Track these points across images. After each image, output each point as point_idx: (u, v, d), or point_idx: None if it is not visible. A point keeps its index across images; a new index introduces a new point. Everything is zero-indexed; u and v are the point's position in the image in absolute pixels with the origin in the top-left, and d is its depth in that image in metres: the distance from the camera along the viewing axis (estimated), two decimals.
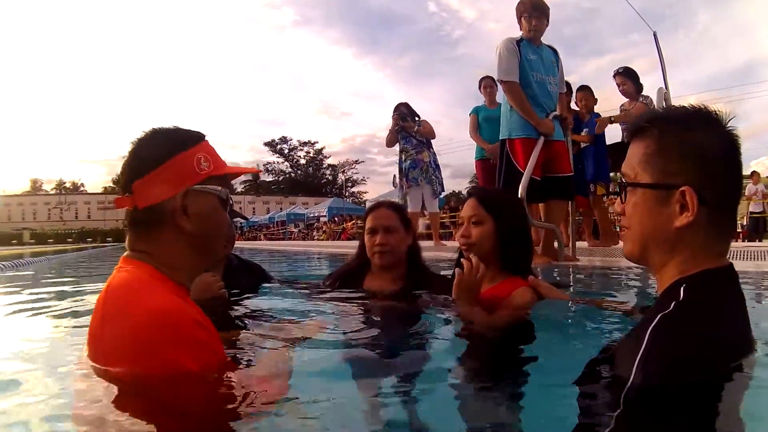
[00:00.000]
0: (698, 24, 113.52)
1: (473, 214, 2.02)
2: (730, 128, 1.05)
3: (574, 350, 1.51)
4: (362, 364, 1.38)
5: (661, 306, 0.99)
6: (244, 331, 1.69)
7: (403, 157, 7.30)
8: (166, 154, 1.17)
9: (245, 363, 1.34)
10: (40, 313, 2.42)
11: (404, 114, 7.25)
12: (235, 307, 2.16)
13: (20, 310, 2.54)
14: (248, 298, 2.38)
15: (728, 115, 1.06)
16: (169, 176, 1.16)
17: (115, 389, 1.01)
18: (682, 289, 1.00)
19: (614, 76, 6.14)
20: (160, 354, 1.01)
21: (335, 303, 2.23)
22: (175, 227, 1.16)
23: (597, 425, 0.88)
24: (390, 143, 7.45)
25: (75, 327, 1.84)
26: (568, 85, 5.36)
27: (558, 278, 3.30)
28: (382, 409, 1.11)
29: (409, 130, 7.21)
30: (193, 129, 1.26)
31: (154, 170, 1.15)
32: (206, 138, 1.26)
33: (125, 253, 1.20)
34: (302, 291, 2.67)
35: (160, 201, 1.15)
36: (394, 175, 7.66)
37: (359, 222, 19.79)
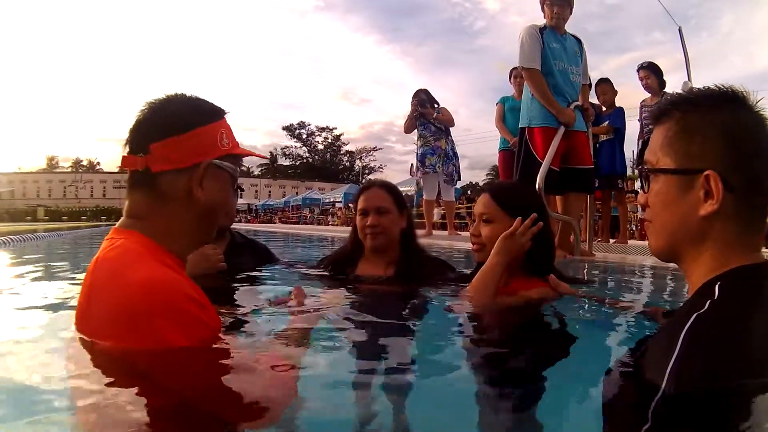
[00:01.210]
0: (722, 26, 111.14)
1: (484, 212, 1.91)
2: (758, 108, 0.95)
3: (595, 353, 1.38)
4: (352, 360, 1.29)
5: (694, 306, 0.88)
6: (242, 311, 1.63)
7: (421, 143, 7.18)
8: (194, 122, 1.14)
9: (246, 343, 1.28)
10: (43, 286, 2.41)
11: (423, 100, 7.12)
12: (234, 284, 2.11)
13: (22, 284, 2.53)
14: (249, 276, 2.33)
15: (756, 95, 0.96)
16: (193, 144, 1.13)
17: (102, 364, 0.97)
18: (717, 287, 0.90)
19: (638, 70, 6.00)
20: (146, 327, 0.96)
21: (327, 291, 2.10)
22: (186, 197, 1.12)
23: None
24: (408, 129, 7.34)
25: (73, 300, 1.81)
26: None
27: (580, 275, 3.19)
28: (374, 408, 1.02)
29: (428, 116, 7.09)
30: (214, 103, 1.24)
31: (179, 135, 1.12)
32: (225, 116, 1.24)
33: (117, 223, 1.15)
34: (302, 273, 2.61)
35: (179, 168, 1.11)
36: (412, 164, 7.56)
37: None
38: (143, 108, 1.15)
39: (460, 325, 1.64)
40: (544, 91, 4.15)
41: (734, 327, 0.84)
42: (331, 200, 34.26)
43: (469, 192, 20.07)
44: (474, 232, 1.92)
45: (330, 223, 27.53)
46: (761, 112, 0.96)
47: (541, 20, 4.39)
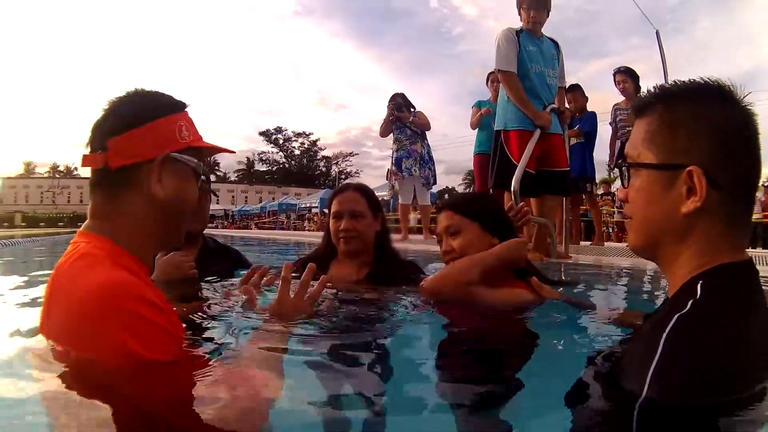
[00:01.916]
0: (699, 30, 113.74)
1: (449, 224, 1.87)
2: (745, 104, 0.91)
3: (574, 358, 1.29)
4: (323, 365, 1.23)
5: (676, 305, 0.84)
6: (214, 321, 1.56)
7: (397, 147, 7.13)
8: (150, 115, 1.09)
9: (218, 353, 1.20)
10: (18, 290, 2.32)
11: (399, 104, 7.09)
12: (206, 291, 2.03)
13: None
14: (221, 281, 2.25)
15: (743, 90, 0.92)
16: (150, 137, 1.08)
17: (60, 372, 0.92)
18: (698, 286, 0.86)
19: (614, 74, 6.10)
20: (100, 333, 0.90)
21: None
22: (144, 193, 1.07)
23: None
24: (384, 133, 7.29)
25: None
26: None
27: (564, 276, 3.17)
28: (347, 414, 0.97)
29: (404, 120, 7.06)
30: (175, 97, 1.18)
31: (135, 128, 1.06)
32: (187, 109, 1.18)
33: (83, 225, 1.10)
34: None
35: (136, 162, 1.06)
36: (388, 169, 7.49)
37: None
38: (106, 105, 1.11)
39: (435, 331, 1.58)
40: (519, 95, 4.15)
41: (718, 328, 0.80)
42: (308, 205, 34.10)
43: (445, 196, 20.12)
44: (446, 249, 1.87)
45: (306, 228, 27.40)
46: (748, 107, 0.92)
47: (518, 24, 4.39)
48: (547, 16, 4.38)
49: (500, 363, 1.30)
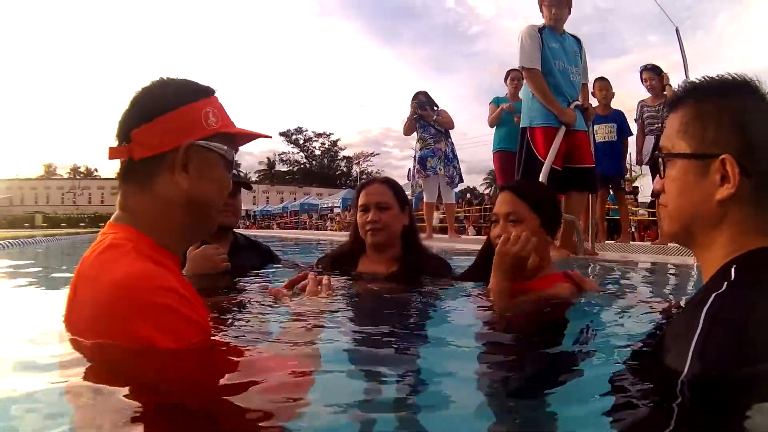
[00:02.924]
0: (717, 26, 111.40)
1: (511, 211, 1.78)
2: None
3: (612, 346, 1.30)
4: (356, 359, 1.22)
5: (712, 288, 0.88)
6: (246, 311, 1.60)
7: (420, 145, 7.15)
8: (172, 104, 1.07)
9: (250, 341, 1.24)
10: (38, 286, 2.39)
11: (423, 102, 7.10)
12: (239, 285, 2.09)
13: (19, 285, 2.51)
14: (253, 276, 2.30)
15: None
16: (172, 127, 1.06)
17: (85, 363, 0.93)
18: (732, 269, 0.90)
19: (641, 72, 6.04)
20: (123, 327, 0.91)
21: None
22: (171, 183, 1.06)
23: (645, 424, 0.77)
24: (408, 132, 7.29)
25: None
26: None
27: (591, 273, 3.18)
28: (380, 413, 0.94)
29: (427, 119, 7.07)
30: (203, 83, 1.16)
31: (156, 119, 1.06)
32: (216, 94, 1.16)
33: (112, 217, 1.11)
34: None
35: (159, 152, 1.05)
36: (409, 169, 7.51)
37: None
38: (132, 96, 1.10)
39: (472, 325, 1.60)
40: (544, 91, 4.15)
41: (755, 305, 0.83)
42: (329, 205, 34.20)
43: (468, 195, 20.06)
44: (502, 233, 1.76)
45: (328, 228, 27.48)
46: None
47: (536, 22, 4.39)
48: (569, 13, 4.37)
49: (540, 351, 1.32)
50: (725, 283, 0.88)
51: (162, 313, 0.94)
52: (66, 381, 0.94)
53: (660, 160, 1.05)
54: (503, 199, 1.84)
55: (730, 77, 1.00)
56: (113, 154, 1.08)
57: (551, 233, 1.82)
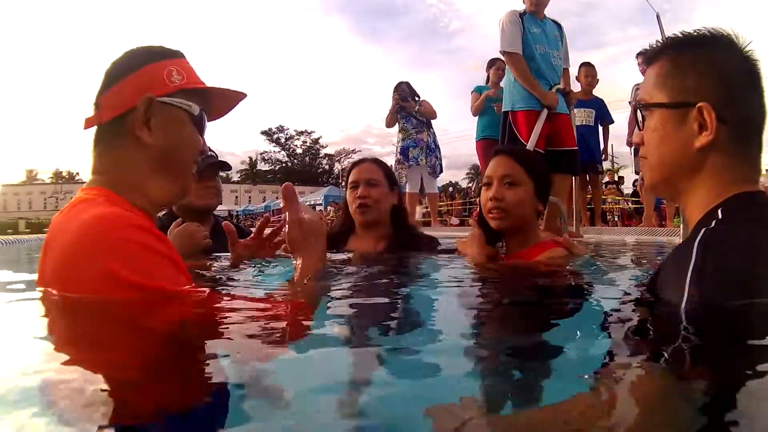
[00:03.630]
0: (697, 18, 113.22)
1: (508, 173, 1.76)
2: (748, 50, 0.98)
3: (611, 296, 1.31)
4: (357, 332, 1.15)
5: (700, 227, 0.90)
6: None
7: (402, 136, 7.11)
8: (134, 66, 1.10)
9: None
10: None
11: (405, 94, 7.08)
12: (219, 264, 2.07)
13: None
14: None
15: (745, 39, 0.99)
16: (134, 86, 1.07)
17: (56, 312, 0.92)
18: (719, 211, 0.92)
19: (637, 57, 6.13)
20: (89, 263, 0.90)
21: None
22: (136, 141, 1.07)
23: (652, 350, 0.76)
24: (390, 124, 7.26)
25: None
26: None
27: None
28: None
29: (409, 109, 7.05)
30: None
31: (119, 81, 1.08)
32: (185, 57, 1.17)
33: (84, 184, 1.11)
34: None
35: (122, 112, 1.06)
36: (394, 164, 7.45)
37: None
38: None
39: (469, 291, 1.57)
40: (526, 75, 4.17)
41: (743, 236, 0.86)
42: (312, 203, 34.10)
43: (450, 189, 20.13)
44: (497, 195, 1.76)
45: None
46: (750, 53, 0.98)
47: (519, 7, 4.40)
48: None
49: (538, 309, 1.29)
50: (713, 221, 0.89)
51: (133, 250, 0.92)
52: (38, 334, 0.89)
53: (639, 111, 1.07)
54: (500, 162, 1.82)
55: (707, 31, 1.01)
56: (87, 123, 1.10)
57: (542, 202, 1.83)
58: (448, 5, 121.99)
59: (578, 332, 0.98)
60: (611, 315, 0.99)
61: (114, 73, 1.10)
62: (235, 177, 70.70)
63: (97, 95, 1.10)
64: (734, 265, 0.81)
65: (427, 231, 6.55)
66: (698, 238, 0.85)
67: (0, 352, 0.82)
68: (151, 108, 1.07)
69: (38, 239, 8.99)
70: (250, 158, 75.30)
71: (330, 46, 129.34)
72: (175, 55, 1.15)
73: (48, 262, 0.99)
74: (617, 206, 13.04)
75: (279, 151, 76.22)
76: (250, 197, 65.50)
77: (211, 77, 1.17)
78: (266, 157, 75.95)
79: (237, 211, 44.40)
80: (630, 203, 12.59)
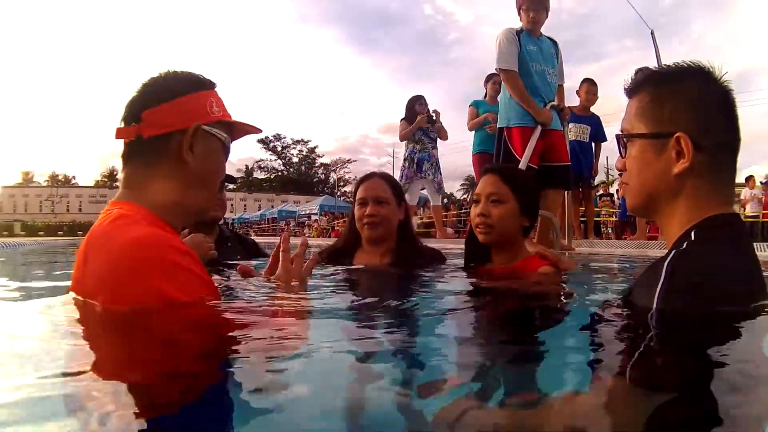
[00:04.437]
0: (693, 32, 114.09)
1: (494, 191, 1.90)
2: (723, 80, 1.08)
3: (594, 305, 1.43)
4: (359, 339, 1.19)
5: (674, 248, 1.00)
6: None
7: (420, 147, 7.27)
8: (182, 90, 1.19)
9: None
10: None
11: (432, 117, 7.27)
12: (224, 274, 2.14)
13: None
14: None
15: (720, 69, 1.08)
16: (183, 110, 1.17)
17: (98, 322, 1.00)
18: (693, 233, 1.01)
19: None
20: (137, 281, 0.99)
21: (325, 277, 2.07)
22: (176, 161, 1.16)
23: (620, 356, 0.85)
24: (407, 136, 7.33)
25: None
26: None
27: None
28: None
29: (431, 127, 7.26)
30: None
31: (168, 102, 1.16)
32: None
33: (115, 196, 1.19)
34: None
35: (170, 131, 1.15)
36: (404, 172, 7.56)
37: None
38: (140, 85, 1.20)
39: (463, 301, 1.67)
40: (521, 92, 4.27)
41: (710, 257, 0.95)
42: (307, 212, 34.17)
43: (445, 200, 20.29)
44: (483, 212, 1.89)
45: (306, 234, 27.51)
46: (726, 84, 1.08)
47: (515, 25, 4.52)
48: (546, 16, 4.51)
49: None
50: (686, 243, 0.99)
51: (177, 271, 1.03)
52: (79, 336, 0.98)
53: (621, 140, 1.16)
54: (487, 181, 1.95)
55: (685, 64, 1.11)
56: (121, 133, 1.17)
57: (529, 218, 1.94)
58: (445, 16, 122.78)
59: (561, 340, 1.07)
60: (591, 324, 1.10)
61: (161, 92, 1.17)
62: (230, 185, 70.36)
63: (136, 108, 1.16)
64: (696, 285, 0.91)
65: (434, 242, 6.70)
66: (669, 258, 0.95)
67: (60, 351, 0.91)
68: (197, 134, 1.17)
69: (38, 243, 9.08)
70: (247, 166, 75.41)
71: (326, 56, 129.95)
72: (213, 86, 1.26)
73: (89, 273, 1.06)
74: (611, 219, 13.14)
75: (275, 160, 76.43)
76: (245, 205, 65.42)
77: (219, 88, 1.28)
78: (262, 165, 76.12)
79: (232, 219, 44.41)
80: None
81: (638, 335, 0.90)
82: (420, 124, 7.20)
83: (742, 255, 1.01)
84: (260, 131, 1.40)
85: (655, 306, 0.89)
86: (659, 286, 0.90)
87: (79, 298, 1.08)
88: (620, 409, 0.65)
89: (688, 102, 1.06)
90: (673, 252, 0.96)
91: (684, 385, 0.69)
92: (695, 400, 0.65)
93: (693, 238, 1.00)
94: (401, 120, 7.34)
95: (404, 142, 7.43)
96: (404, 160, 7.40)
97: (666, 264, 0.93)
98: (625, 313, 1.04)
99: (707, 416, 0.60)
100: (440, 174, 7.42)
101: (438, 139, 7.42)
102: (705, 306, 0.88)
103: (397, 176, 7.36)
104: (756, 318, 0.92)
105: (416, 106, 7.25)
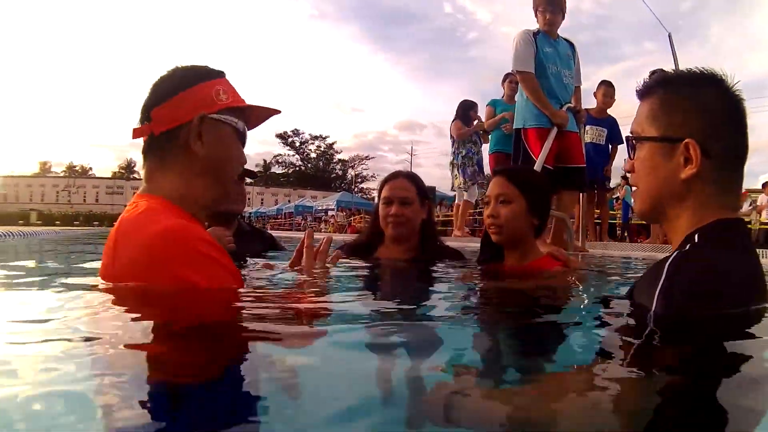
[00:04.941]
0: (712, 36, 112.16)
1: (501, 192, 1.97)
2: (735, 89, 1.09)
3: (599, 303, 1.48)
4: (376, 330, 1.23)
5: (677, 250, 1.03)
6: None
7: (476, 150, 7.46)
8: (185, 84, 1.23)
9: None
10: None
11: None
12: (244, 267, 2.20)
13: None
14: (256, 261, 2.43)
15: (733, 78, 1.09)
16: (187, 103, 1.21)
17: (126, 306, 1.06)
18: (696, 236, 1.04)
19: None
20: (165, 269, 1.06)
21: (350, 271, 2.14)
22: (188, 153, 1.20)
23: (618, 353, 0.88)
24: (464, 137, 7.46)
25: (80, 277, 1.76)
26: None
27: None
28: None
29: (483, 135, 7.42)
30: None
31: (173, 97, 1.21)
32: (226, 76, 1.32)
33: (138, 190, 1.26)
34: None
35: (176, 125, 1.20)
36: (455, 163, 7.64)
37: (366, 216, 19.78)
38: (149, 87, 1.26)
39: (472, 295, 1.75)
40: (537, 94, 4.30)
41: (711, 259, 0.98)
42: (324, 208, 34.24)
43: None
44: (492, 213, 1.96)
45: (323, 230, 27.57)
46: (737, 93, 1.10)
47: (532, 27, 4.53)
48: (563, 18, 4.52)
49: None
50: (689, 245, 1.03)
51: (204, 261, 1.10)
52: (107, 319, 1.01)
53: (631, 142, 1.19)
54: (495, 182, 2.02)
55: (698, 70, 1.13)
56: (136, 133, 1.24)
57: (539, 217, 1.99)
58: (465, 15, 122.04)
59: (556, 338, 1.12)
60: (590, 323, 1.15)
61: (166, 89, 1.22)
62: (248, 179, 70.60)
63: (146, 108, 1.22)
64: (696, 285, 0.94)
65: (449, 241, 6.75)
66: (670, 259, 0.98)
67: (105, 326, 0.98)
68: (203, 123, 1.20)
69: (54, 233, 9.27)
70: (265, 161, 75.74)
71: (346, 52, 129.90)
72: (220, 75, 1.30)
73: (118, 261, 1.13)
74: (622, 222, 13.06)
75: (293, 155, 76.68)
76: (262, 199, 65.80)
77: (234, 81, 1.33)
78: (280, 160, 76.37)
79: (249, 213, 44.62)
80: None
81: (636, 334, 0.93)
82: (479, 128, 7.34)
83: (745, 258, 1.03)
84: (279, 112, 1.41)
85: (654, 305, 0.92)
86: (659, 285, 0.93)
87: (108, 284, 1.15)
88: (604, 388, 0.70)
89: (699, 108, 1.08)
90: (676, 253, 0.99)
91: (678, 384, 0.73)
92: (688, 398, 0.69)
93: (696, 240, 1.03)
94: (455, 120, 7.41)
95: (451, 145, 7.59)
96: (462, 158, 7.47)
97: (667, 264, 0.96)
98: (624, 313, 1.07)
99: (701, 414, 0.64)
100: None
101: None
102: (704, 307, 0.91)
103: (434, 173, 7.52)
104: (756, 320, 0.95)
105: (471, 113, 7.41)
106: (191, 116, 1.20)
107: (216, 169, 1.25)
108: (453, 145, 7.54)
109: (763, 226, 12.74)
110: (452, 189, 7.88)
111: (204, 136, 1.21)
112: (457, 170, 7.50)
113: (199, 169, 1.22)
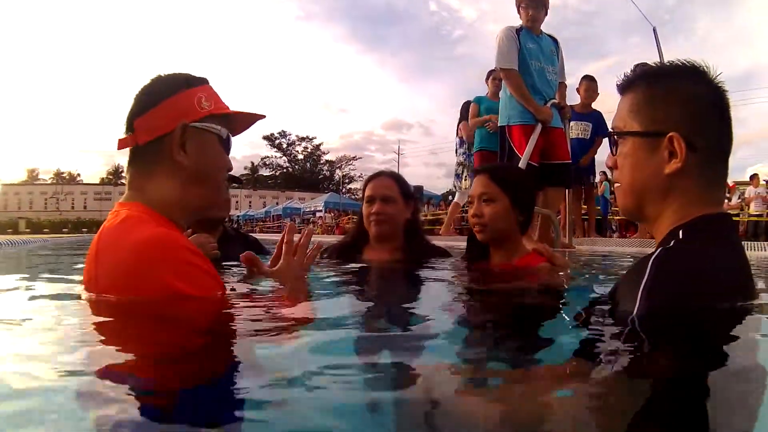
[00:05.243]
0: (699, 29, 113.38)
1: (484, 191, 1.96)
2: (717, 81, 1.06)
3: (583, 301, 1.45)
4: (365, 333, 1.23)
5: (661, 245, 1.00)
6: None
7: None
8: (167, 93, 1.21)
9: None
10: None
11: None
12: (226, 273, 2.17)
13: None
14: (240, 266, 2.39)
15: (715, 69, 1.06)
16: (169, 112, 1.20)
17: (112, 315, 1.06)
18: (680, 232, 1.00)
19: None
20: (150, 278, 1.04)
21: (332, 273, 2.13)
22: (172, 162, 1.19)
23: (602, 353, 0.86)
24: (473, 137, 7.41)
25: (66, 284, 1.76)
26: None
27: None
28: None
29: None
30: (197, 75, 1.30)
31: (154, 107, 1.20)
32: (209, 83, 1.30)
33: (122, 197, 1.24)
34: None
35: (159, 135, 1.19)
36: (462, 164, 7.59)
37: (354, 217, 19.79)
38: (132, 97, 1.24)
39: (458, 293, 1.76)
40: (521, 90, 4.29)
41: (695, 256, 0.95)
42: (312, 209, 34.21)
43: (449, 198, 20.35)
44: (476, 212, 1.96)
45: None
46: (720, 84, 1.06)
47: (517, 23, 4.52)
48: (546, 14, 4.51)
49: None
50: (673, 241, 0.99)
51: (187, 269, 1.09)
52: (93, 331, 1.00)
53: (613, 138, 1.15)
54: (478, 181, 2.01)
55: (680, 63, 1.09)
56: (121, 144, 1.22)
57: (523, 212, 1.97)
58: (450, 13, 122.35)
59: (546, 331, 1.11)
60: (573, 321, 1.11)
61: (148, 99, 1.21)
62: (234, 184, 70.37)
63: (130, 118, 1.20)
64: (680, 283, 0.91)
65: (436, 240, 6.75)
66: (654, 256, 0.94)
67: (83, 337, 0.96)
68: (186, 133, 1.19)
69: (43, 241, 9.17)
70: (252, 163, 75.53)
71: (332, 53, 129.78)
72: (203, 82, 1.28)
73: (101, 271, 1.11)
74: (615, 217, 13.12)
75: (280, 157, 76.49)
76: (250, 202, 65.49)
77: (216, 85, 1.30)
78: (267, 162, 76.19)
79: (237, 216, 44.48)
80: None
81: (619, 333, 0.90)
82: (481, 125, 7.20)
83: (730, 253, 1.00)
84: (263, 117, 1.39)
85: (638, 303, 0.89)
86: (643, 282, 0.90)
87: (92, 294, 1.12)
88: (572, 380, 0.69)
89: (681, 101, 1.05)
90: (659, 250, 0.96)
91: (662, 381, 0.71)
92: (672, 395, 0.67)
93: (681, 236, 1.00)
94: (461, 121, 7.34)
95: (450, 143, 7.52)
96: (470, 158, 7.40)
97: (651, 261, 0.93)
98: (608, 311, 1.03)
99: (686, 411, 0.62)
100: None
101: None
102: (689, 303, 0.89)
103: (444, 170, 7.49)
104: (740, 315, 0.93)
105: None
106: (173, 126, 1.18)
107: (201, 177, 1.24)
108: (462, 146, 7.47)
109: (752, 218, 12.85)
110: (460, 190, 7.63)
111: (187, 146, 1.20)
112: (468, 171, 7.42)
113: (185, 177, 1.21)
